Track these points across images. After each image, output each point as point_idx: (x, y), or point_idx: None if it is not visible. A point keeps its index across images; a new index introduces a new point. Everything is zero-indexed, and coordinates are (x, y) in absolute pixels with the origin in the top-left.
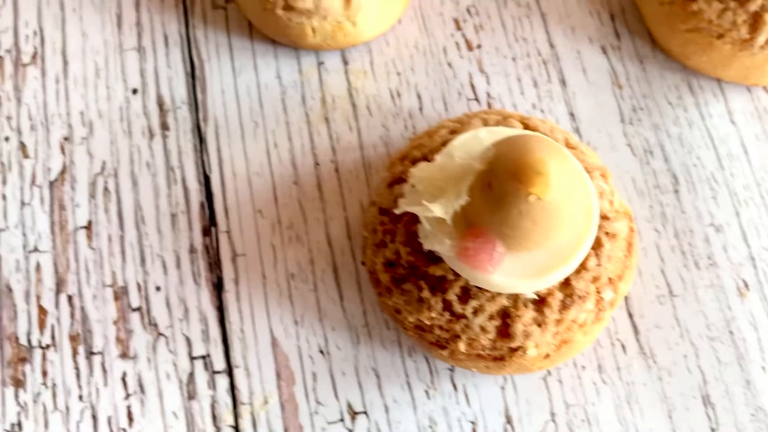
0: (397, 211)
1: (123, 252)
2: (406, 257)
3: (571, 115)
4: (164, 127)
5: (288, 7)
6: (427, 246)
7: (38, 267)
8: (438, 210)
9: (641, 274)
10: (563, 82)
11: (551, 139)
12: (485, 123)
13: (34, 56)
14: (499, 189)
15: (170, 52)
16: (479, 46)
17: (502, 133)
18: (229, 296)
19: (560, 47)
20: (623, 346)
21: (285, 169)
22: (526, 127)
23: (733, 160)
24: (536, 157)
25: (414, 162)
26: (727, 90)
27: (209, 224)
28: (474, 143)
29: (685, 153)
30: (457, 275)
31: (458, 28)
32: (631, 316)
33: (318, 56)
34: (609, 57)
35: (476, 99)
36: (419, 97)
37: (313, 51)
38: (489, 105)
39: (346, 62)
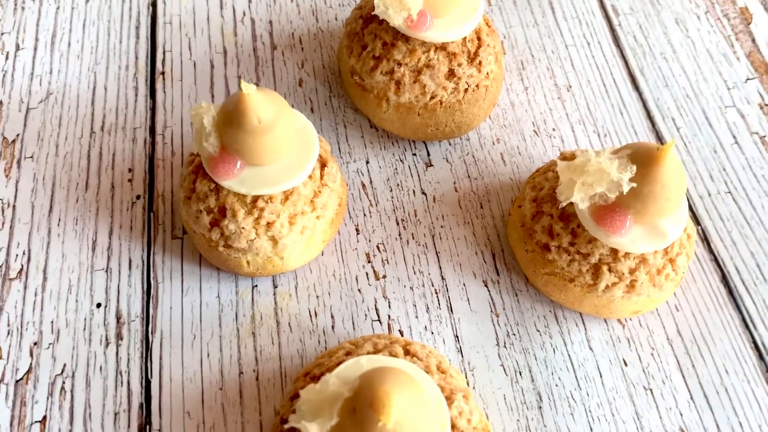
0: (286, 426)
1: None
2: None
3: (456, 337)
4: (119, 337)
5: (227, 246)
6: None
7: None
8: (314, 428)
9: None
10: (451, 309)
11: (414, 368)
12: (375, 346)
13: (20, 272)
14: (360, 414)
15: (132, 273)
16: (384, 276)
17: (379, 361)
18: None
19: (450, 280)
20: None
21: (213, 377)
22: (407, 352)
23: (589, 381)
24: (384, 390)
25: (314, 378)
26: (587, 321)
27: (144, 423)
28: (355, 369)
29: (549, 374)
30: None
31: (369, 261)
32: None
33: (253, 281)
34: (489, 290)
35: (379, 320)
36: (333, 317)
37: (250, 277)
38: (389, 326)
39: (275, 285)
